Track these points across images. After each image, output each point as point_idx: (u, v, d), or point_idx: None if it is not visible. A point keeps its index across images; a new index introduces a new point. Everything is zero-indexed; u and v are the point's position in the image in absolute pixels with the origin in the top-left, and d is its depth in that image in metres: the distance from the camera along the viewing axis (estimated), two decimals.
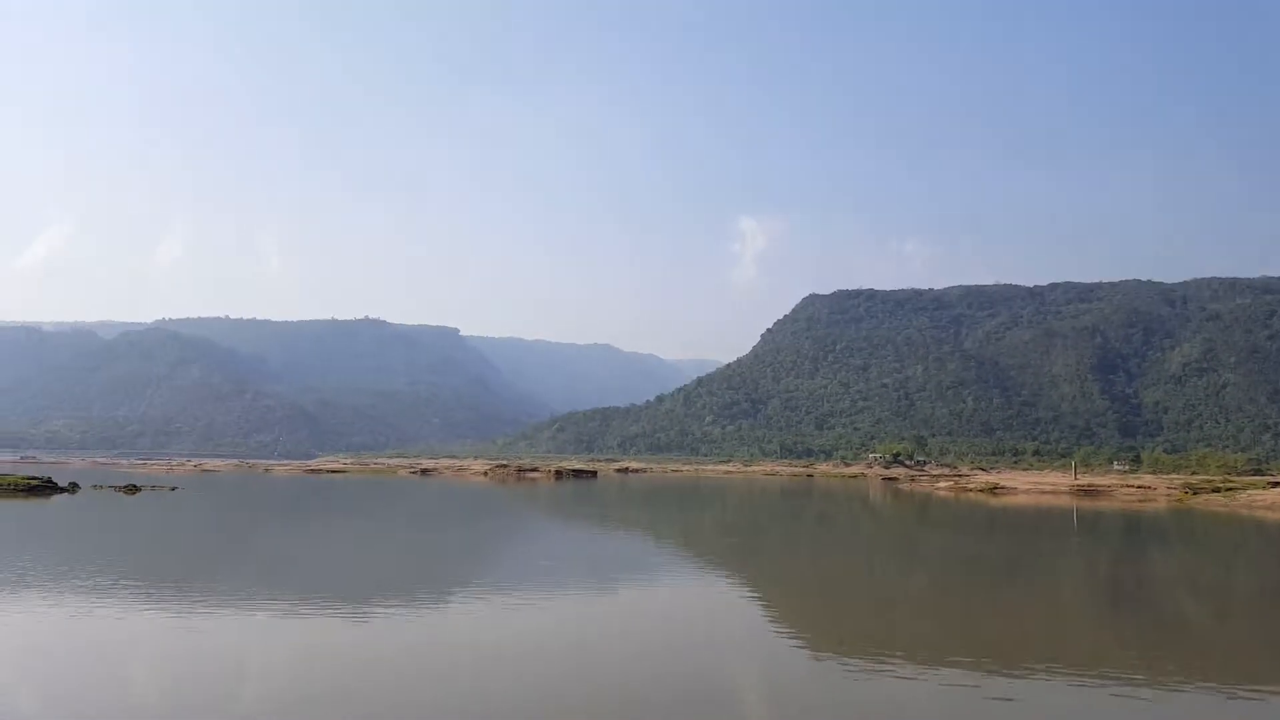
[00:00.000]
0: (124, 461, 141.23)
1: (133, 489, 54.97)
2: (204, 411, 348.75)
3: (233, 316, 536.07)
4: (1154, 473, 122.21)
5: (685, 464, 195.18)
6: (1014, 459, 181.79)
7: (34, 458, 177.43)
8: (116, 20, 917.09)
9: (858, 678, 13.04)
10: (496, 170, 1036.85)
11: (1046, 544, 38.99)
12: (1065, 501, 68.23)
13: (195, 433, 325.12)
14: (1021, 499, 72.71)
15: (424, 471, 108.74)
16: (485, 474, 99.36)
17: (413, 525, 42.75)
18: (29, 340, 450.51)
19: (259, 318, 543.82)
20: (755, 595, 22.42)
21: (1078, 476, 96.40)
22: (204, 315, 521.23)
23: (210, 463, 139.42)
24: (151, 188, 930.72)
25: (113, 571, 22.96)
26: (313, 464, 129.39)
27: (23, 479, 51.88)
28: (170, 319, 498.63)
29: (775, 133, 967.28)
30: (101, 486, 56.46)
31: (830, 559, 31.56)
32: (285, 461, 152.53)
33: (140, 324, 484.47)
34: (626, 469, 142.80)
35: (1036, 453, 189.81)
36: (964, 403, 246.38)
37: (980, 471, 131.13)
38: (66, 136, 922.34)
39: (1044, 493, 78.95)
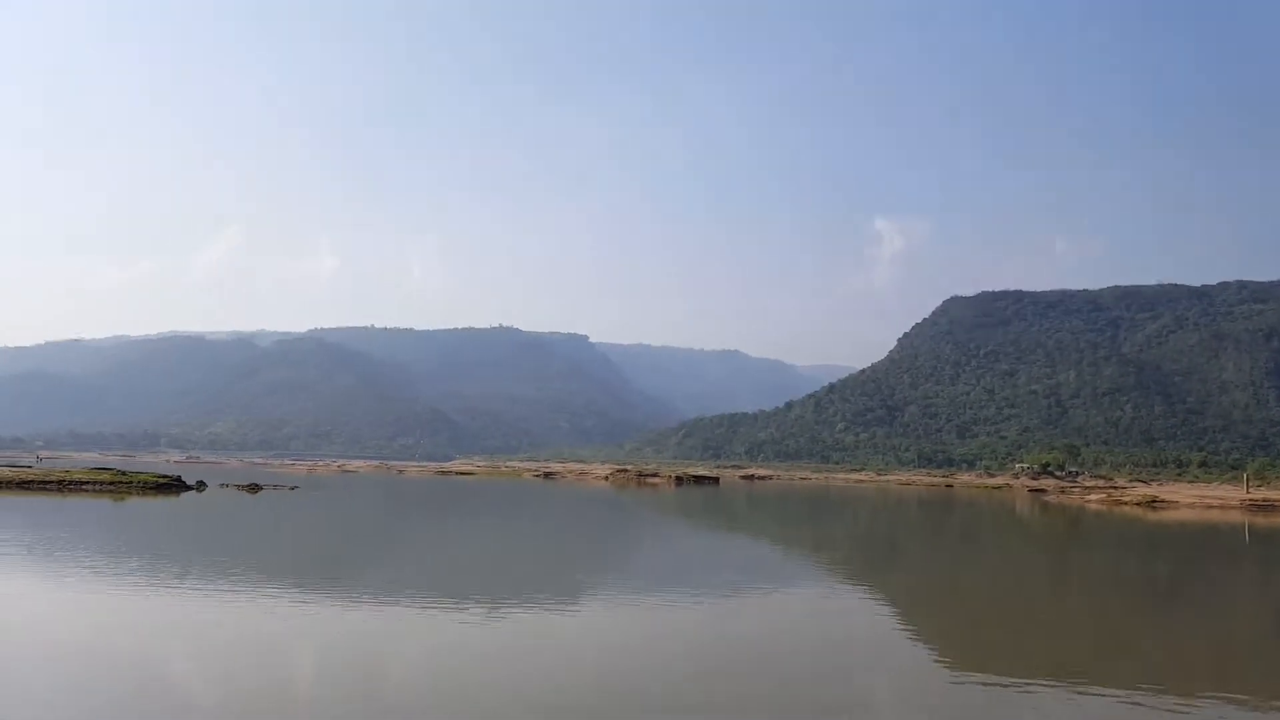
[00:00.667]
0: (275, 461, 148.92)
1: (255, 488, 56.79)
2: (351, 416, 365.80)
3: (378, 326, 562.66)
4: None
5: (814, 472, 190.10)
6: (1178, 471, 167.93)
7: (197, 458, 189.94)
8: (263, 41, 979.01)
9: (1001, 698, 11.88)
10: (627, 178, 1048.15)
11: (1214, 563, 34.60)
12: (1235, 517, 61.43)
13: (344, 435, 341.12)
14: (1184, 514, 66.04)
15: (547, 475, 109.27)
16: (606, 478, 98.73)
17: (536, 527, 42.01)
18: (196, 348, 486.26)
19: (402, 326, 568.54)
20: (892, 609, 20.63)
21: (1250, 490, 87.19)
22: (352, 325, 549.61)
23: (354, 464, 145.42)
24: (305, 203, 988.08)
25: (248, 564, 23.61)
26: (443, 466, 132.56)
27: (153, 477, 54.16)
28: (321, 328, 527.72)
29: (916, 131, 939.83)
30: (227, 485, 58.42)
31: (971, 573, 28.61)
32: (419, 463, 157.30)
33: (294, 333, 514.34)
34: (753, 476, 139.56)
35: (1203, 464, 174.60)
36: (1122, 410, 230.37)
37: (1139, 484, 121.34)
38: (226, 155, 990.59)
39: (1210, 507, 71.57)
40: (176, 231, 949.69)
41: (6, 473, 53.82)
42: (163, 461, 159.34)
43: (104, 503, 41.20)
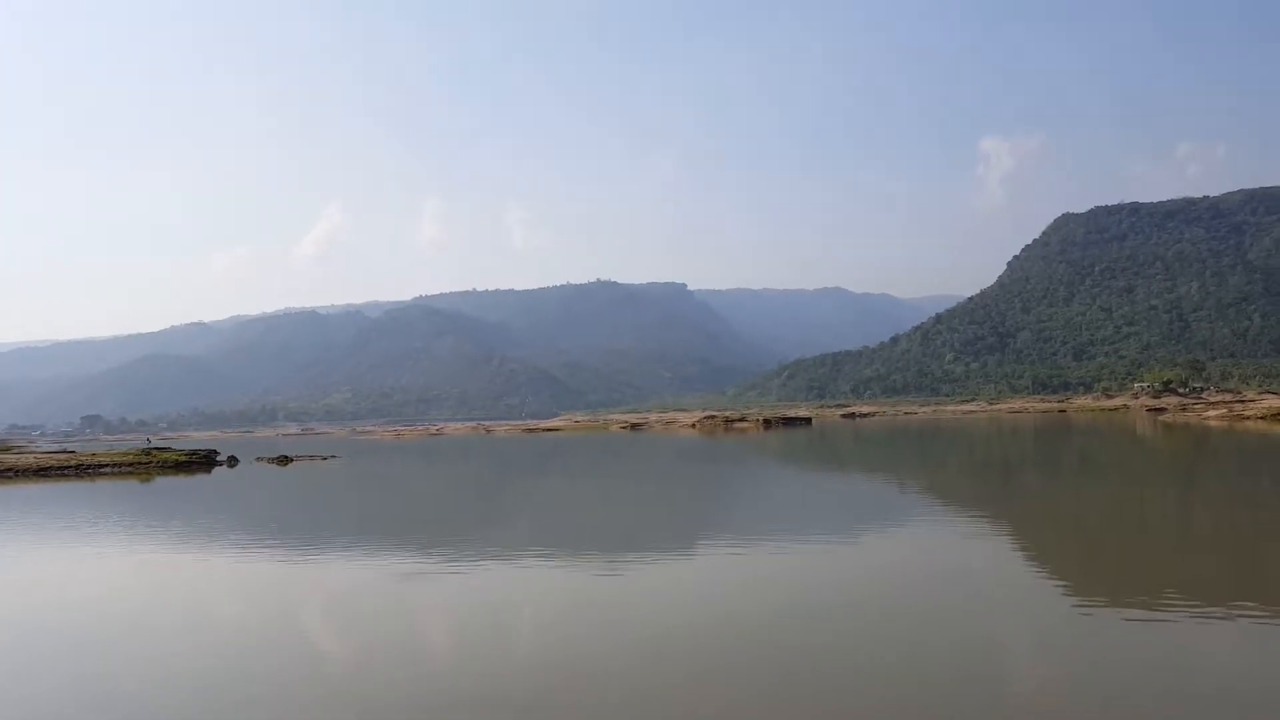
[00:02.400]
0: (379, 428, 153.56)
1: (285, 460, 54.44)
2: (458, 378, 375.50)
3: (479, 289, 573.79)
4: None
5: (922, 405, 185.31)
6: None
7: (312, 429, 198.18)
8: (355, 24, 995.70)
9: (1136, 627, 11.16)
10: (716, 121, 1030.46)
11: None
12: None
13: (452, 398, 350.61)
14: None
15: (634, 427, 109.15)
16: (694, 426, 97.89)
17: (606, 482, 41.43)
18: (308, 323, 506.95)
19: (502, 288, 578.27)
20: (1012, 541, 19.45)
21: None
22: (454, 290, 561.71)
23: (452, 425, 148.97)
24: (402, 176, 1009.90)
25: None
26: (530, 424, 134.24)
27: (176, 455, 52.35)
28: (426, 295, 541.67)
29: (1020, 43, 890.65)
30: (262, 459, 56.56)
31: (1086, 501, 26.73)
32: (510, 423, 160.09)
33: (401, 302, 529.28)
34: (854, 414, 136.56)
35: None
36: (1249, 320, 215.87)
37: (1270, 395, 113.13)
38: (324, 135, 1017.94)
39: None
40: (283, 213, 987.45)
41: (26, 459, 52.65)
42: (277, 435, 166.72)
43: (131, 484, 41.83)
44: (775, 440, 72.23)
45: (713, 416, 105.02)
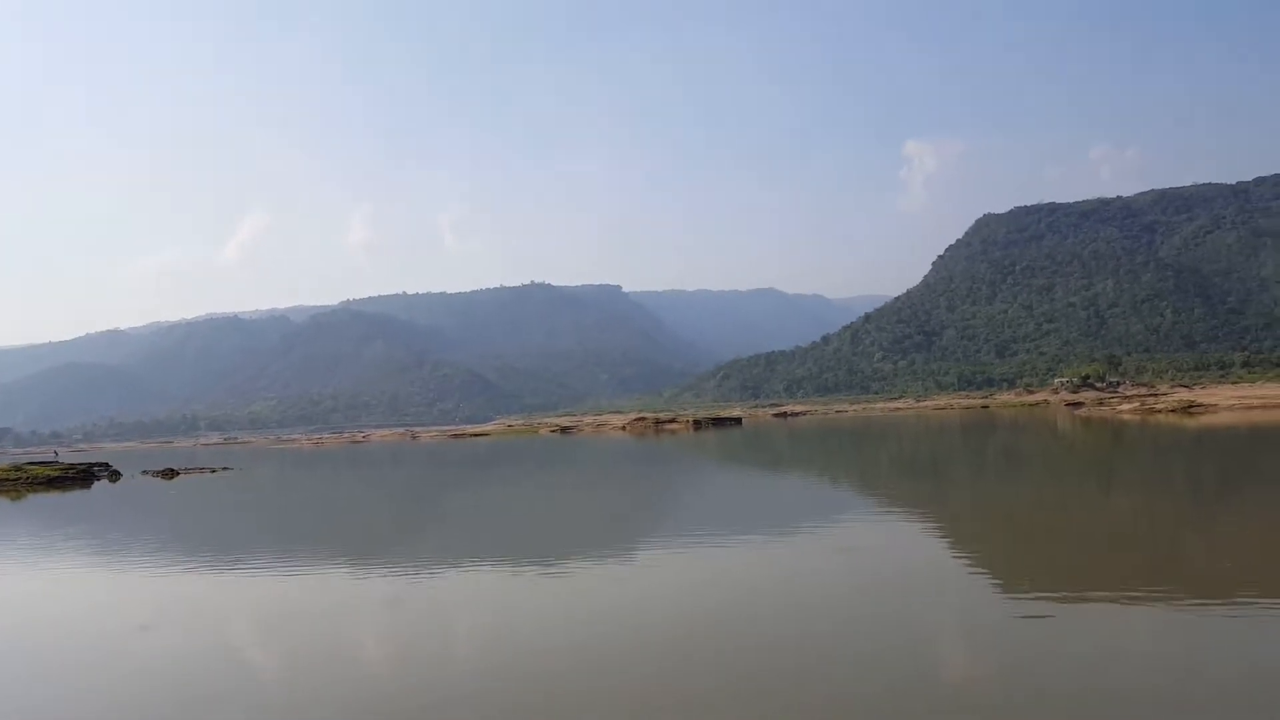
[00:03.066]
0: (301, 437, 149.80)
1: (170, 473, 51.47)
2: (389, 384, 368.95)
3: (409, 292, 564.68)
4: None
5: (852, 404, 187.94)
6: (1221, 373, 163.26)
7: (235, 439, 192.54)
8: (293, 20, 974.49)
9: (1063, 617, 11.48)
10: (646, 123, 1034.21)
11: (1263, 465, 32.48)
12: None
13: (382, 404, 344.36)
14: (1224, 417, 63.10)
15: (564, 430, 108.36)
16: (624, 428, 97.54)
17: (520, 489, 40.59)
18: (231, 329, 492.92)
19: (434, 291, 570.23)
20: (939, 536, 19.70)
21: None
22: (384, 293, 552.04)
23: (379, 432, 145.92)
24: (331, 179, 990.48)
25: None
26: (457, 429, 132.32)
27: (50, 469, 49.42)
28: (354, 299, 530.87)
29: (942, 49, 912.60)
30: (148, 472, 53.13)
31: (1006, 495, 27.16)
32: (436, 428, 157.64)
33: (328, 306, 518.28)
34: (785, 413, 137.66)
35: (1246, 364, 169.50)
36: (1162, 316, 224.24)
37: (1181, 389, 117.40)
38: (251, 137, 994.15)
39: (1253, 408, 68.42)
40: (207, 217, 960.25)
41: None
42: (196, 445, 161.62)
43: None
44: (705, 441, 72.19)
45: (643, 418, 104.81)
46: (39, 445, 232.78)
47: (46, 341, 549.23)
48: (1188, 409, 68.88)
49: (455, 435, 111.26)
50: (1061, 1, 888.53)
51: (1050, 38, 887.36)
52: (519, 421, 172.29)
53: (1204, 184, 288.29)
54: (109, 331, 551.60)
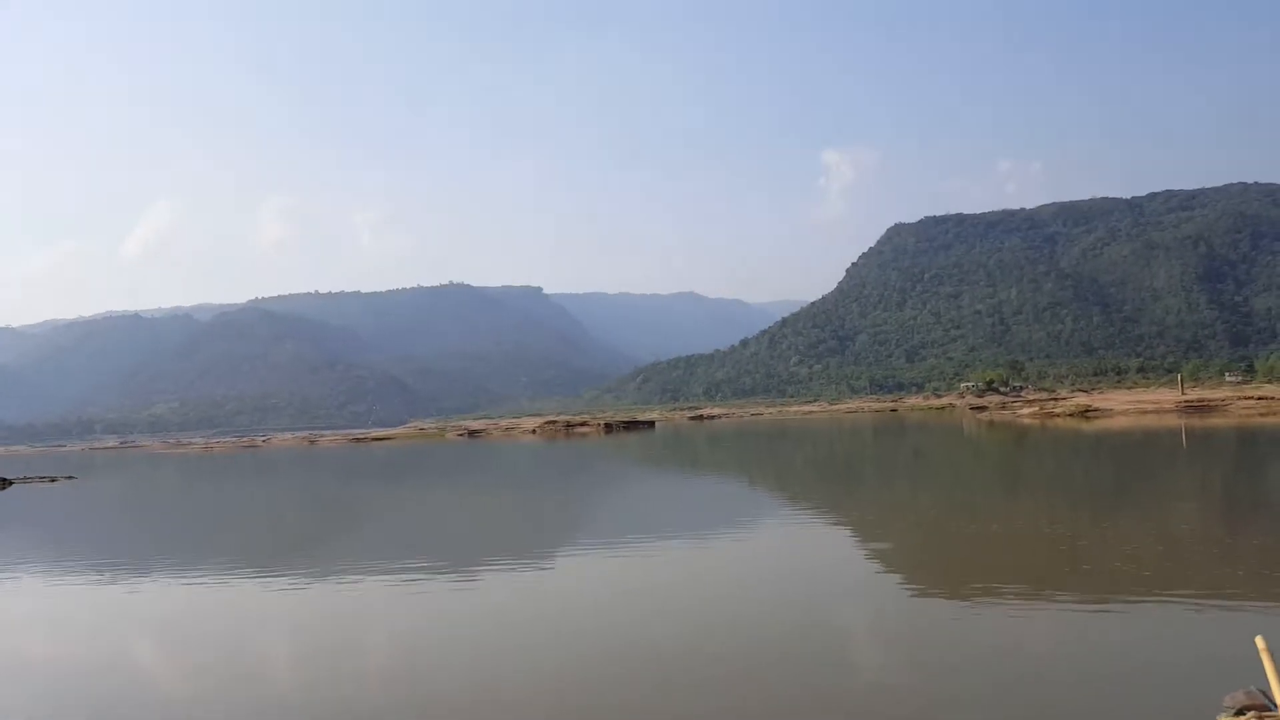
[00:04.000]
0: (203, 441, 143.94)
1: (3, 483, 47.84)
2: (299, 386, 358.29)
3: (322, 291, 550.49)
4: (1272, 382, 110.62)
5: (769, 407, 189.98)
6: (1117, 378, 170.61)
7: (133, 442, 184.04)
8: (205, 12, 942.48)
9: (966, 613, 12.05)
10: (569, 122, 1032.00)
11: (1155, 468, 33.55)
12: (1172, 421, 60.60)
13: (292, 407, 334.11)
14: (1119, 421, 65.28)
15: (472, 434, 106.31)
16: (534, 432, 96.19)
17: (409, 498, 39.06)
18: (131, 327, 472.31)
19: (348, 290, 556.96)
20: (847, 536, 20.16)
21: (1186, 391, 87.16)
22: (295, 292, 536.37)
23: (279, 437, 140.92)
24: (241, 174, 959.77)
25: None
26: (358, 434, 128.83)
27: None
28: (263, 298, 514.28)
29: (858, 60, 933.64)
30: None
31: (908, 497, 27.19)
32: (338, 432, 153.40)
33: (235, 304, 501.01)
34: (701, 416, 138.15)
35: (1141, 370, 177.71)
36: (1062, 324, 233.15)
37: (1080, 394, 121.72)
38: (156, 126, 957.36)
39: (1146, 412, 71.04)
40: (105, 208, 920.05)
41: None
42: (84, 449, 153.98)
43: None
44: (615, 444, 71.43)
45: (553, 422, 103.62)
46: None
47: None
48: (1084, 413, 71.15)
49: (357, 440, 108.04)
50: (978, 18, 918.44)
51: (968, 51, 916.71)
52: (431, 425, 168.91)
53: (1102, 198, 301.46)
54: None
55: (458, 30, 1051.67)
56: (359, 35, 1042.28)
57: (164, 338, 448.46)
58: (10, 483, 48.70)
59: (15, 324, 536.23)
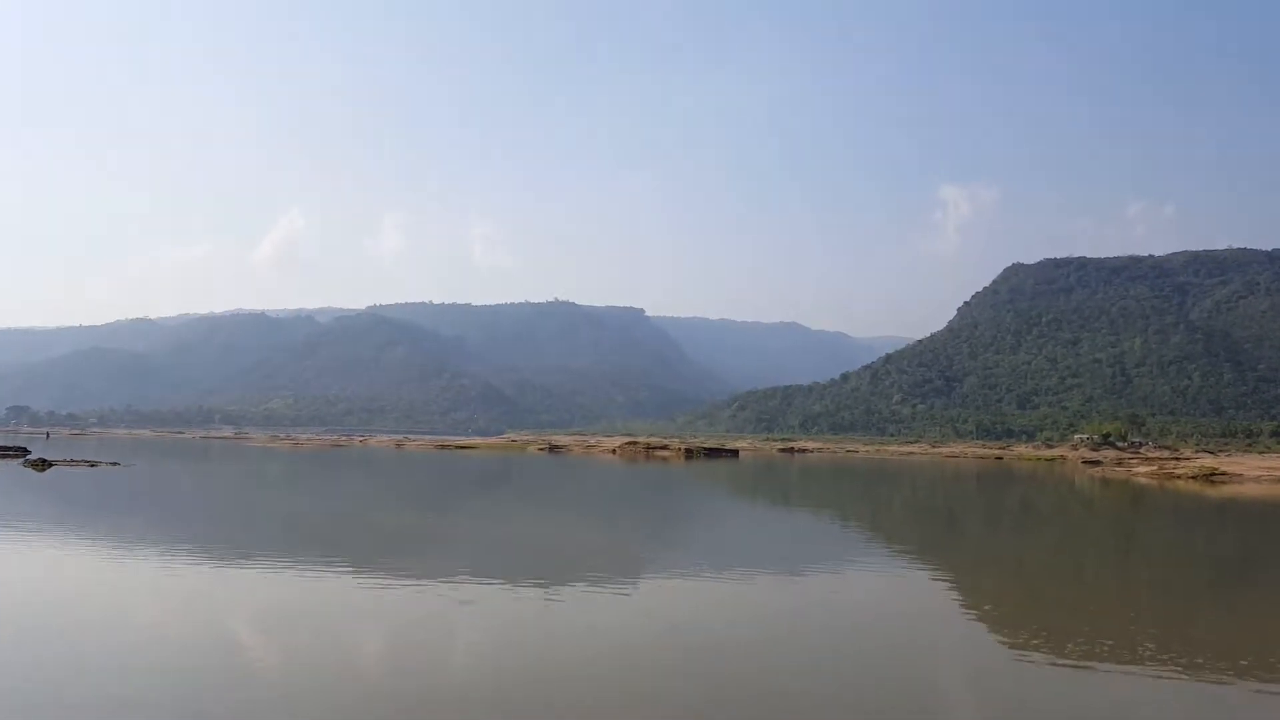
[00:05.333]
0: (300, 436, 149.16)
1: (43, 464, 49.33)
2: (406, 390, 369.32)
3: (435, 302, 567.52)
4: None
5: (866, 444, 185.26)
6: (1248, 441, 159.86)
7: (246, 434, 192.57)
8: (332, 28, 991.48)
9: (1067, 677, 11.49)
10: (682, 151, 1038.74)
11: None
12: None
13: (398, 410, 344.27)
14: (1250, 489, 60.75)
15: (554, 448, 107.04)
16: (614, 452, 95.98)
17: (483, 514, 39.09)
18: (257, 325, 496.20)
19: (460, 302, 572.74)
20: (946, 587, 19.54)
21: None
22: (411, 301, 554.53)
23: (374, 439, 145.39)
24: (369, 185, 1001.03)
25: None
26: (446, 440, 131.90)
27: None
28: (381, 305, 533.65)
29: (985, 96, 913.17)
30: (30, 461, 51.75)
31: (1016, 551, 25.90)
32: (426, 437, 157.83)
33: (355, 310, 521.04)
34: (792, 448, 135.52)
35: (1275, 434, 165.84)
36: (1189, 379, 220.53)
37: (1205, 455, 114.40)
38: (294, 137, 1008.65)
39: None
40: (245, 211, 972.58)
41: None
42: (195, 437, 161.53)
43: None
44: (694, 471, 70.50)
45: (634, 443, 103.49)
46: (56, 425, 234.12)
47: (77, 325, 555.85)
48: (1210, 477, 66.61)
49: (442, 446, 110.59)
50: (1111, 55, 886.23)
51: (1097, 90, 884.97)
52: (529, 436, 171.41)
53: (1240, 248, 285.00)
54: (139, 319, 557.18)
55: (572, 56, 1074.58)
56: (478, 62, 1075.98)
57: (286, 337, 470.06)
58: (51, 464, 50.27)
59: (153, 315, 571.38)
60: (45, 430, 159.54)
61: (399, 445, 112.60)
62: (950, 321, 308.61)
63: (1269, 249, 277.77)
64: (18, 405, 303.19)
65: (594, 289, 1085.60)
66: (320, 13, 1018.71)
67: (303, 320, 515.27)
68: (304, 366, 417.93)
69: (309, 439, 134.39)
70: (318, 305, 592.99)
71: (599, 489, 51.97)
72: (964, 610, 16.34)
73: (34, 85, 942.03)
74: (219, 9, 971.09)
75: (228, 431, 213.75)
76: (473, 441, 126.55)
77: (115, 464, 55.97)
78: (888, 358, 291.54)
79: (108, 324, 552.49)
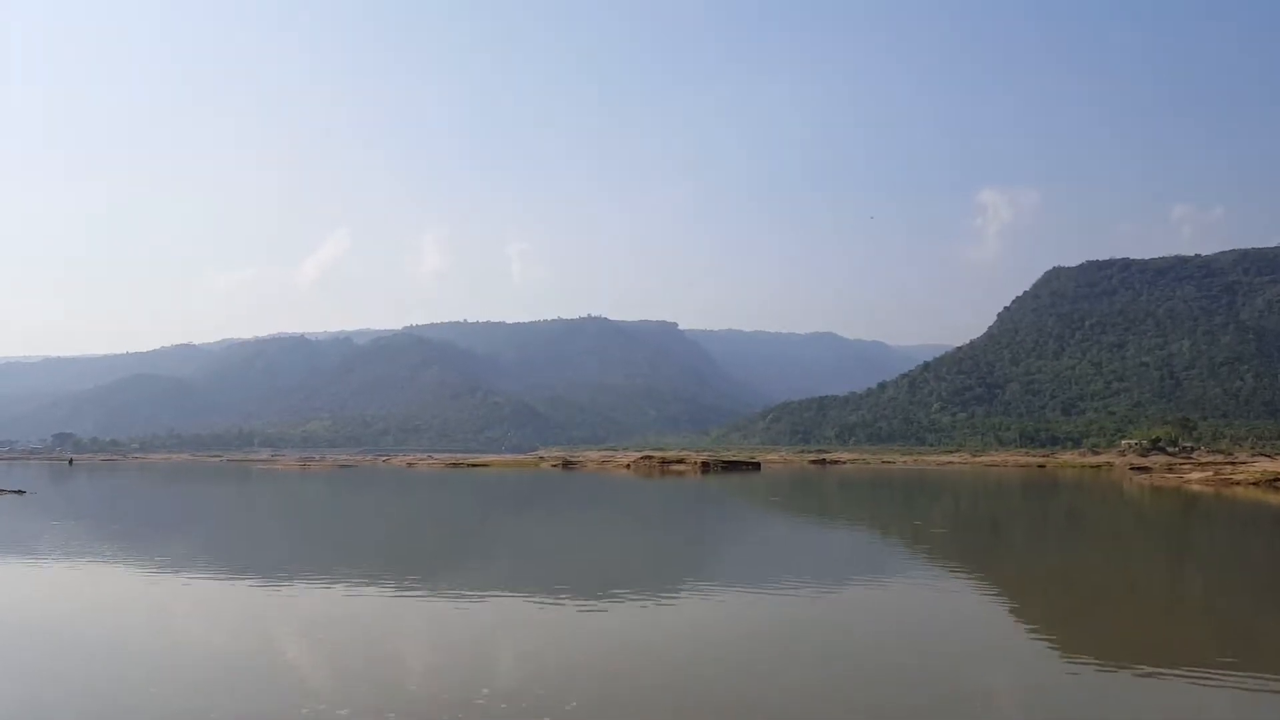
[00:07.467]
0: (320, 456, 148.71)
1: None
2: (440, 409, 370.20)
3: (470, 320, 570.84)
4: None
5: (904, 454, 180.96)
6: None
7: (282, 456, 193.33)
8: (373, 48, 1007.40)
9: (1120, 687, 11.44)
10: (712, 161, 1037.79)
11: None
12: None
13: (432, 429, 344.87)
14: None
15: (567, 465, 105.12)
16: (628, 467, 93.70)
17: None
18: (297, 348, 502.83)
19: (494, 320, 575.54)
20: (990, 598, 19.34)
21: None
22: (446, 320, 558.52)
23: (408, 457, 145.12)
24: (410, 205, 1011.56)
25: None
26: (458, 458, 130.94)
27: None
28: (417, 324, 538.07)
29: (1025, 96, 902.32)
30: None
31: (1070, 562, 23.77)
32: (432, 455, 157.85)
33: (391, 330, 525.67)
34: (824, 460, 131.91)
35: None
36: (1242, 380, 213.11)
37: (1263, 458, 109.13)
38: (335, 161, 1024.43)
39: None
40: (285, 237, 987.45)
41: None
42: (222, 461, 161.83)
43: None
44: (711, 486, 67.82)
45: (649, 457, 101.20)
46: (98, 452, 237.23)
47: (124, 352, 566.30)
48: (1273, 482, 62.54)
49: (454, 464, 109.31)
50: (1154, 55, 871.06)
51: (1140, 93, 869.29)
52: (558, 453, 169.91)
53: None
54: (182, 345, 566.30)
55: (608, 75, 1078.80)
56: (515, 71, 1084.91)
57: (325, 359, 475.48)
58: None
59: (197, 341, 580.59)
60: (69, 456, 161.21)
61: (410, 465, 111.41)
62: (990, 327, 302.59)
63: None
64: (63, 432, 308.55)
65: (627, 304, 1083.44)
66: (355, 40, 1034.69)
67: (340, 342, 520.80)
68: (341, 388, 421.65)
69: (318, 460, 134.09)
70: (356, 327, 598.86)
71: (585, 507, 49.60)
72: (1017, 621, 16.27)
73: (67, 114, 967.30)
74: (257, 35, 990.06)
75: (265, 454, 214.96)
76: (485, 459, 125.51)
77: (21, 492, 52.18)
78: (926, 366, 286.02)
79: (152, 350, 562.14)
